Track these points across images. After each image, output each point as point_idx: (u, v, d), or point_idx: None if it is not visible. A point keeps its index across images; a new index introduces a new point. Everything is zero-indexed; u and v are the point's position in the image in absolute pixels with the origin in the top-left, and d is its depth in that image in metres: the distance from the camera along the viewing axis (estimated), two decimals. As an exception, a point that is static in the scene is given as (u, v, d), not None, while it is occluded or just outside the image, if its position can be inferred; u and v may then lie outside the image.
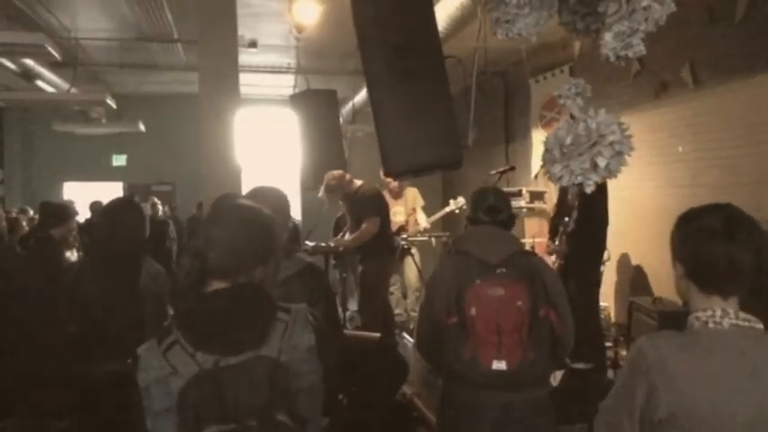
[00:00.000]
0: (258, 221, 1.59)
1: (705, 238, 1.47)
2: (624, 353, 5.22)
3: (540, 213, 7.33)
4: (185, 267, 1.52)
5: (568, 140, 2.18)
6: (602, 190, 4.24)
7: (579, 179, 2.20)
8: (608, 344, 5.22)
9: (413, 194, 6.85)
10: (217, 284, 1.50)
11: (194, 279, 1.50)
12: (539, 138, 7.97)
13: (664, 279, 5.80)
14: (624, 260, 6.37)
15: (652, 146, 5.86)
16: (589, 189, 2.24)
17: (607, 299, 6.26)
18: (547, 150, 2.31)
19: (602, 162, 2.15)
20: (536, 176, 8.03)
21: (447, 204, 6.83)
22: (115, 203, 3.24)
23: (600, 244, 4.63)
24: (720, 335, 1.45)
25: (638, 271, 6.25)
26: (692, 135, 5.60)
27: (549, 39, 7.26)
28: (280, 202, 2.37)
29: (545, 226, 6.76)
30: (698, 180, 5.46)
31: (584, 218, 4.41)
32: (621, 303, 6.31)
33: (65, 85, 7.95)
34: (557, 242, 4.68)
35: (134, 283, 2.99)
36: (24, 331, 2.91)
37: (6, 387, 2.80)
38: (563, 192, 4.81)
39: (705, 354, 1.43)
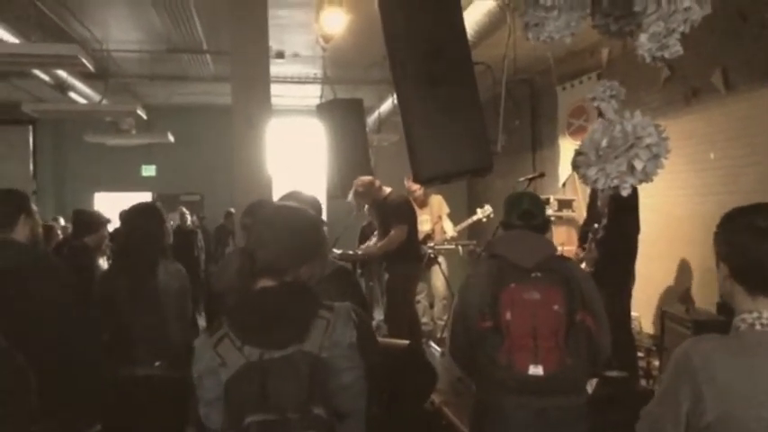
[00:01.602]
0: (304, 221, 1.69)
1: (752, 238, 1.44)
2: (657, 363, 5.14)
3: (569, 222, 7.26)
4: (237, 266, 1.61)
5: (604, 143, 2.16)
6: (632, 196, 4.18)
7: (615, 182, 2.18)
8: (640, 354, 5.14)
9: (438, 202, 6.82)
10: (264, 282, 1.59)
11: (245, 277, 1.58)
12: (566, 146, 7.92)
13: (695, 288, 5.71)
14: (655, 269, 6.27)
15: (683, 153, 5.77)
16: (625, 192, 2.21)
17: (638, 309, 6.15)
18: (581, 153, 2.29)
19: (639, 165, 2.12)
20: (564, 185, 7.97)
21: (473, 213, 6.80)
22: (134, 208, 3.30)
23: (631, 251, 4.57)
24: (767, 337, 1.41)
25: (670, 280, 6.15)
26: (724, 141, 5.51)
27: (577, 46, 7.23)
28: (314, 205, 2.39)
29: (573, 234, 6.70)
30: (730, 187, 5.37)
31: (615, 225, 4.36)
32: (653, 313, 6.21)
33: (96, 97, 8.10)
34: (587, 249, 4.63)
35: (153, 284, 3.03)
36: (59, 338, 2.95)
37: (38, 393, 2.84)
38: (593, 199, 4.76)
39: (752, 357, 1.40)
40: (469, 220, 6.76)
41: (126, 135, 9.65)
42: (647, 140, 2.13)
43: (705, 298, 5.18)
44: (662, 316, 5.11)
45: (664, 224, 6.03)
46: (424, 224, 6.60)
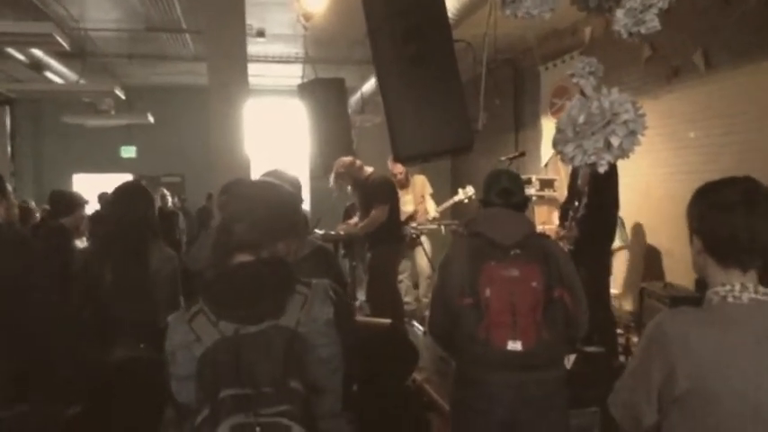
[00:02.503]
0: (280, 197, 1.68)
1: (724, 211, 1.45)
2: (635, 339, 5.20)
3: (550, 201, 7.30)
4: (213, 241, 1.59)
5: (581, 119, 2.16)
6: (612, 174, 4.20)
7: (592, 159, 2.18)
8: (619, 330, 5.19)
9: (421, 182, 6.82)
10: (241, 257, 1.58)
11: (221, 252, 1.58)
12: (548, 125, 7.93)
13: (674, 265, 5.78)
14: (634, 247, 6.34)
15: (664, 131, 5.82)
16: (602, 169, 2.22)
17: (617, 286, 6.23)
18: (560, 130, 2.29)
19: (615, 141, 2.13)
20: (546, 164, 8.00)
21: (456, 192, 6.81)
22: (123, 187, 3.24)
23: (610, 229, 4.60)
24: (740, 310, 1.43)
25: (648, 257, 6.23)
26: (704, 120, 5.56)
27: (559, 24, 7.22)
28: (294, 184, 2.38)
29: (555, 213, 6.74)
30: (709, 166, 5.42)
31: (595, 203, 4.38)
32: (631, 290, 6.28)
33: (74, 77, 7.97)
34: (567, 227, 4.65)
35: (145, 267, 3.01)
36: (37, 318, 2.93)
37: (19, 373, 2.82)
38: (573, 177, 4.78)
39: (724, 329, 1.42)
40: (451, 201, 6.77)
41: (105, 116, 9.51)
42: (624, 117, 2.13)
43: (684, 275, 5.25)
44: (641, 293, 5.17)
45: (644, 202, 6.09)
46: (407, 205, 6.60)
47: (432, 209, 6.72)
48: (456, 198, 6.68)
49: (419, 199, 6.72)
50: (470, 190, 6.55)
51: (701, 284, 4.49)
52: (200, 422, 1.37)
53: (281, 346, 1.45)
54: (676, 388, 1.41)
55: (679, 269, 5.55)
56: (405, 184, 6.61)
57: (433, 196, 6.87)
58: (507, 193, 2.61)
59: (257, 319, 1.49)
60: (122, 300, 2.97)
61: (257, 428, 1.33)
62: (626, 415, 1.54)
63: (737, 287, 1.44)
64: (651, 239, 6.22)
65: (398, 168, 6.41)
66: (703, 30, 5.37)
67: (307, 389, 1.44)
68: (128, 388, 2.93)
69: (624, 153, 2.18)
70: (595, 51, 6.85)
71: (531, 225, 2.65)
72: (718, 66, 5.35)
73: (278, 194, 1.68)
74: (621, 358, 4.58)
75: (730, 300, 1.44)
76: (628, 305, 6.33)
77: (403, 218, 6.45)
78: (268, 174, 2.46)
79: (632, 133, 2.16)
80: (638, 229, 6.29)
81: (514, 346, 2.37)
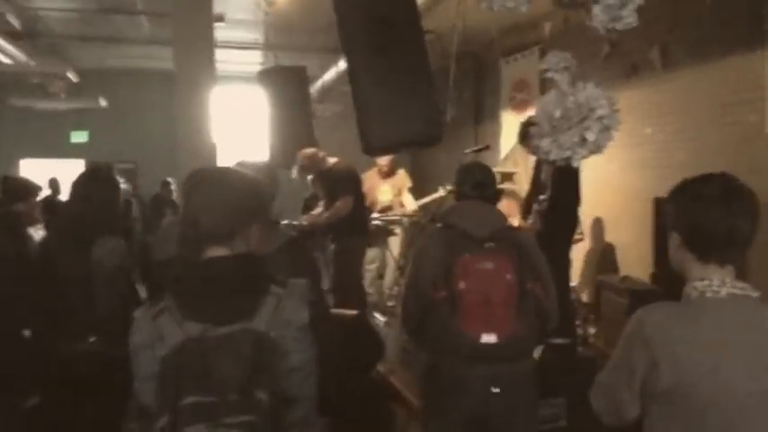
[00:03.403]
0: (243, 181, 1.57)
1: (703, 206, 1.48)
2: (592, 330, 5.32)
3: (510, 194, 7.36)
4: (178, 235, 1.50)
5: (557, 114, 2.18)
6: (575, 169, 4.27)
7: (568, 153, 2.20)
8: (576, 322, 5.30)
9: (402, 176, 6.77)
10: (213, 251, 1.48)
11: (189, 246, 1.47)
12: (508, 119, 8.01)
13: (630, 259, 5.93)
14: (591, 240, 6.47)
15: (622, 128, 5.88)
16: (576, 163, 2.24)
17: (574, 278, 6.35)
18: (536, 124, 2.30)
19: (590, 136, 2.16)
20: (506, 158, 8.07)
21: (416, 185, 6.80)
22: (87, 175, 3.14)
23: (572, 222, 4.67)
24: (718, 304, 1.46)
25: (605, 251, 6.37)
26: (660, 117, 5.69)
27: (520, 19, 7.27)
28: (267, 173, 2.33)
29: (515, 206, 6.80)
30: (663, 162, 5.56)
31: (558, 197, 4.43)
32: (587, 283, 6.42)
33: (23, 58, 7.65)
34: (529, 220, 4.71)
35: (87, 258, 2.92)
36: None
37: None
38: (537, 171, 4.83)
39: (704, 324, 1.45)
40: (430, 198, 6.74)
41: (55, 99, 9.19)
42: (599, 112, 2.16)
43: (638, 268, 5.38)
44: (598, 285, 5.28)
45: (601, 197, 6.21)
46: (385, 195, 6.57)
47: (409, 202, 6.69)
48: (436, 195, 6.67)
49: (396, 191, 6.68)
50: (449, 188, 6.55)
51: (658, 278, 4.60)
52: (161, 428, 1.28)
53: (249, 351, 1.34)
54: (659, 383, 1.43)
55: (633, 262, 5.70)
56: (388, 175, 6.57)
57: (410, 190, 6.84)
58: (481, 185, 2.63)
59: (226, 320, 1.40)
60: (70, 291, 2.88)
61: None
62: (608, 408, 1.56)
63: (716, 282, 1.47)
64: (607, 233, 6.36)
65: (383, 161, 6.37)
66: (661, 27, 5.50)
67: (275, 398, 1.34)
68: (79, 383, 2.85)
69: (599, 148, 2.22)
70: (555, 46, 6.90)
71: (504, 218, 2.67)
72: (675, 63, 5.49)
73: (241, 179, 1.58)
74: (579, 349, 4.68)
75: (709, 295, 1.47)
76: (583, 297, 6.46)
77: (379, 207, 6.43)
78: (239, 165, 2.40)
79: (607, 129, 2.19)
80: (594, 222, 6.42)
81: (489, 338, 2.39)
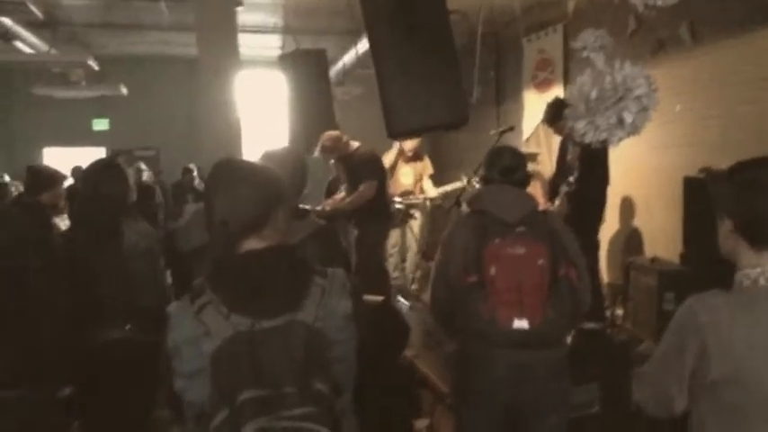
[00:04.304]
0: (263, 174, 1.55)
1: (759, 191, 1.42)
2: (620, 312, 5.26)
3: (534, 175, 7.28)
4: (209, 236, 1.49)
5: (593, 95, 2.11)
6: (602, 149, 4.19)
7: (604, 135, 2.14)
8: (604, 304, 5.24)
9: (425, 163, 6.71)
10: (249, 244, 1.47)
11: (224, 239, 1.45)
12: (530, 98, 7.89)
13: (658, 239, 5.82)
14: (618, 221, 6.37)
15: (649, 105, 5.81)
16: (614, 145, 2.17)
17: (601, 259, 6.27)
18: (571, 105, 2.23)
19: (628, 117, 2.08)
20: (528, 139, 7.97)
21: (437, 166, 6.73)
22: (95, 166, 3.14)
23: (601, 204, 4.61)
24: None
25: (632, 232, 6.27)
26: (690, 94, 5.55)
27: (543, -3, 7.14)
28: (293, 163, 2.30)
29: (539, 187, 6.73)
30: (694, 139, 5.44)
31: (586, 179, 4.37)
32: (615, 264, 6.33)
33: (44, 47, 7.68)
34: (557, 203, 4.64)
35: (119, 246, 2.91)
36: (24, 301, 2.83)
37: (9, 359, 2.74)
38: (563, 152, 4.76)
39: (758, 312, 1.39)
40: (452, 186, 6.67)
41: (76, 87, 9.23)
42: (637, 92, 2.08)
43: (666, 248, 5.29)
44: (627, 266, 5.20)
45: (628, 176, 6.10)
46: (406, 177, 6.51)
47: (429, 188, 6.62)
48: (458, 184, 6.60)
49: (418, 177, 6.62)
50: (474, 179, 6.46)
51: (687, 258, 4.51)
52: (219, 424, 1.27)
53: (300, 343, 1.33)
54: (709, 373, 1.38)
55: (662, 243, 5.60)
56: (413, 159, 6.50)
57: (432, 177, 6.77)
58: (510, 169, 2.57)
59: (273, 313, 1.38)
60: (102, 281, 2.88)
61: None
62: (655, 401, 1.52)
63: None
64: (633, 213, 6.25)
65: (409, 145, 6.29)
66: (689, 2, 5.34)
67: (331, 390, 1.34)
68: (116, 371, 2.86)
69: (636, 129, 2.14)
70: (579, 24, 6.79)
71: (535, 202, 2.61)
72: (704, 39, 5.34)
73: (261, 172, 1.56)
74: (608, 332, 4.63)
75: (762, 282, 1.41)
76: (610, 278, 6.38)
77: (400, 190, 6.38)
78: (265, 156, 2.37)
79: (645, 109, 2.11)
80: (622, 203, 6.32)
81: (520, 324, 2.34)
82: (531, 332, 2.36)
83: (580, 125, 2.18)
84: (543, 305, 2.36)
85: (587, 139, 2.23)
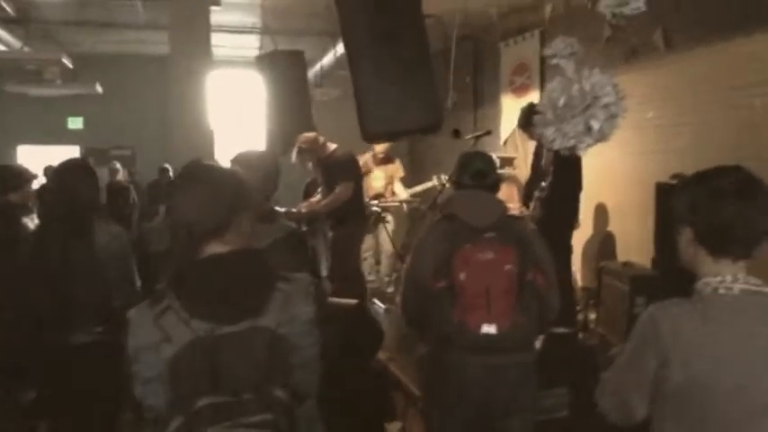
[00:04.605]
0: (226, 176, 1.54)
1: (719, 200, 1.43)
2: (593, 316, 5.31)
3: (510, 179, 7.32)
4: (174, 233, 1.48)
5: (562, 102, 2.13)
6: (576, 156, 4.23)
7: (572, 142, 2.16)
8: (577, 308, 5.29)
9: (395, 165, 6.75)
10: (212, 248, 1.45)
11: (185, 243, 1.44)
12: (508, 103, 7.93)
13: (631, 244, 5.89)
14: (591, 226, 6.43)
15: (623, 112, 5.88)
16: (582, 152, 2.20)
17: (574, 263, 6.33)
18: (539, 112, 2.25)
19: (596, 125, 2.11)
20: (505, 142, 8.02)
21: (414, 170, 6.76)
22: (65, 165, 3.11)
23: (573, 209, 4.65)
24: (731, 300, 1.42)
25: (606, 237, 6.33)
26: (662, 101, 5.63)
27: (521, 1, 7.18)
28: (265, 166, 2.30)
29: (514, 192, 6.76)
30: (667, 146, 5.51)
31: (559, 183, 4.40)
32: (588, 268, 6.39)
33: (17, 44, 7.55)
34: (531, 207, 4.68)
35: (91, 247, 2.88)
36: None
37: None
38: (537, 157, 4.79)
39: (717, 322, 1.40)
40: (424, 186, 6.70)
41: (50, 85, 9.07)
42: (605, 100, 2.11)
43: (638, 253, 5.35)
44: (600, 271, 5.25)
45: (602, 182, 6.16)
46: (378, 180, 6.53)
47: (400, 191, 6.65)
48: (429, 184, 6.63)
49: (389, 179, 6.64)
50: (444, 178, 6.50)
51: (658, 264, 4.56)
52: (174, 430, 1.25)
53: (261, 349, 1.33)
54: (670, 381, 1.39)
55: (635, 248, 5.66)
56: (384, 162, 6.55)
57: (403, 180, 6.80)
58: (481, 174, 2.59)
59: (235, 318, 1.37)
60: (72, 282, 2.85)
61: None
62: (616, 407, 1.53)
63: (729, 278, 1.43)
64: (606, 219, 6.32)
65: (379, 147, 6.32)
66: (663, 9, 5.42)
67: (290, 396, 1.33)
68: (86, 373, 2.83)
69: (604, 137, 2.17)
70: (556, 29, 6.85)
71: (505, 207, 2.63)
72: (678, 46, 5.42)
73: (224, 174, 1.55)
74: (580, 335, 4.67)
75: (722, 291, 1.43)
76: (583, 282, 6.44)
77: (370, 194, 6.39)
78: (236, 159, 2.36)
79: (612, 117, 2.14)
80: (596, 208, 6.38)
81: (489, 329, 2.36)
82: (500, 336, 2.38)
83: (548, 132, 2.21)
84: (511, 310, 2.38)
85: (556, 146, 2.25)
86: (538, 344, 3.10)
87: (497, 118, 8.20)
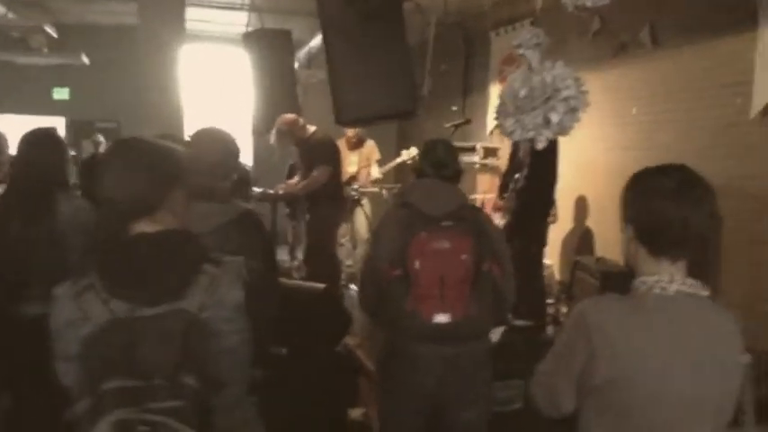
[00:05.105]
0: (154, 151, 1.49)
1: (658, 199, 1.42)
2: (565, 310, 5.31)
3: (493, 170, 7.30)
4: (99, 209, 1.45)
5: (522, 93, 2.11)
6: (553, 148, 4.20)
7: (531, 134, 2.14)
8: (550, 301, 5.29)
9: (370, 147, 6.72)
10: (140, 227, 1.42)
11: (113, 222, 1.41)
12: (496, 92, 7.88)
13: (609, 240, 5.89)
14: (572, 220, 6.43)
15: (607, 107, 5.85)
16: (540, 145, 2.18)
17: (552, 257, 6.33)
18: (501, 102, 2.22)
19: (555, 118, 2.09)
20: (491, 132, 7.99)
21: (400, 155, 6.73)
22: (32, 134, 3.06)
23: (547, 202, 4.61)
24: (665, 301, 1.41)
25: (585, 231, 6.33)
26: (648, 97, 5.61)
27: (512, -9, 7.13)
28: (224, 145, 2.26)
29: (497, 182, 6.75)
30: (650, 142, 5.49)
31: (534, 175, 4.37)
32: (566, 262, 6.39)
33: (1, 10, 7.44)
34: (506, 198, 4.65)
35: (53, 218, 2.85)
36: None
37: None
38: (515, 148, 4.75)
39: (647, 320, 1.40)
40: (394, 162, 6.68)
41: (36, 54, 8.96)
42: (565, 93, 2.09)
43: (615, 249, 5.35)
44: (574, 265, 5.25)
45: (584, 176, 6.15)
46: (351, 166, 6.51)
47: (375, 172, 6.64)
48: (399, 159, 6.59)
49: (364, 162, 6.62)
50: (413, 151, 6.46)
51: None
52: (81, 412, 1.24)
53: (179, 333, 1.29)
54: (596, 376, 1.39)
55: (611, 244, 5.66)
56: (357, 146, 6.51)
57: (379, 160, 6.78)
58: (440, 164, 2.57)
59: (155, 300, 1.34)
60: (31, 252, 2.81)
61: (142, 427, 1.19)
62: (545, 399, 1.53)
63: (666, 278, 1.42)
64: (587, 213, 6.31)
65: (350, 131, 6.29)
66: (651, 5, 5.38)
67: (204, 383, 1.29)
68: (40, 345, 2.80)
69: (563, 130, 2.15)
70: (546, 20, 6.79)
71: (464, 197, 2.62)
72: (665, 43, 5.39)
73: (152, 149, 1.50)
74: (550, 329, 4.66)
75: (657, 290, 1.42)
76: (560, 276, 6.44)
77: (345, 178, 6.37)
78: (194, 137, 2.32)
79: (573, 110, 2.12)
80: (576, 202, 6.38)
81: (442, 318, 2.35)
82: (453, 325, 2.37)
83: (508, 123, 2.19)
84: (465, 300, 2.38)
85: (515, 137, 2.23)
86: (496, 336, 3.10)
87: (485, 107, 8.16)
